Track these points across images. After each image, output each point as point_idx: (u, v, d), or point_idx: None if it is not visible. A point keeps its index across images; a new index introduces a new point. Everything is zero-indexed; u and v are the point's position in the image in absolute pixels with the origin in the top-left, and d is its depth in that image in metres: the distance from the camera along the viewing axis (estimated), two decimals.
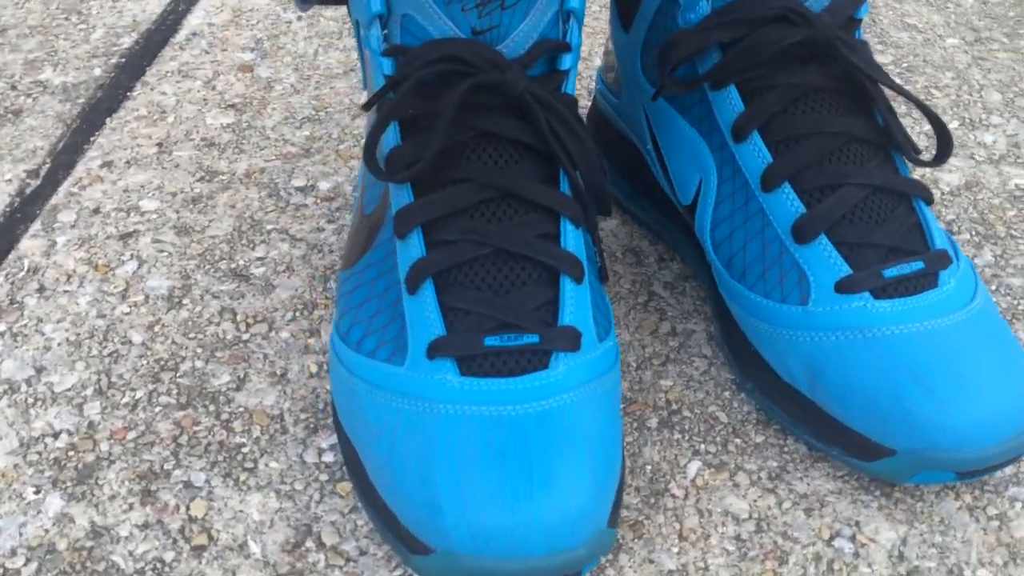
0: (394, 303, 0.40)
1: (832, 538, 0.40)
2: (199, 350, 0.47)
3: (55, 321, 0.49)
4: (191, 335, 0.48)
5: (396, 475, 0.36)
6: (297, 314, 0.50)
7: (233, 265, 0.52)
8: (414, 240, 0.39)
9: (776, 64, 0.43)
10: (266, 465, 0.42)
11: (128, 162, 0.60)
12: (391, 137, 0.41)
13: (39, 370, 0.46)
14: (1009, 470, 0.43)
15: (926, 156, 0.43)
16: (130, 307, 0.50)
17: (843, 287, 0.40)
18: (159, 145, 0.61)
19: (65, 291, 0.50)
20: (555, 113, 0.40)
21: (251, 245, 0.54)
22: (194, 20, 0.75)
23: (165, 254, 0.53)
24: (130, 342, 0.48)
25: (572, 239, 0.39)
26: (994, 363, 0.39)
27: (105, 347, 0.47)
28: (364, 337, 0.40)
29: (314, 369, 0.47)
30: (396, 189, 0.40)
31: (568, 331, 0.37)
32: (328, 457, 0.43)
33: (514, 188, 0.39)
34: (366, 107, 0.41)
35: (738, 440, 0.44)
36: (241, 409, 0.45)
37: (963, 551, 0.40)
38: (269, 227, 0.55)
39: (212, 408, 0.45)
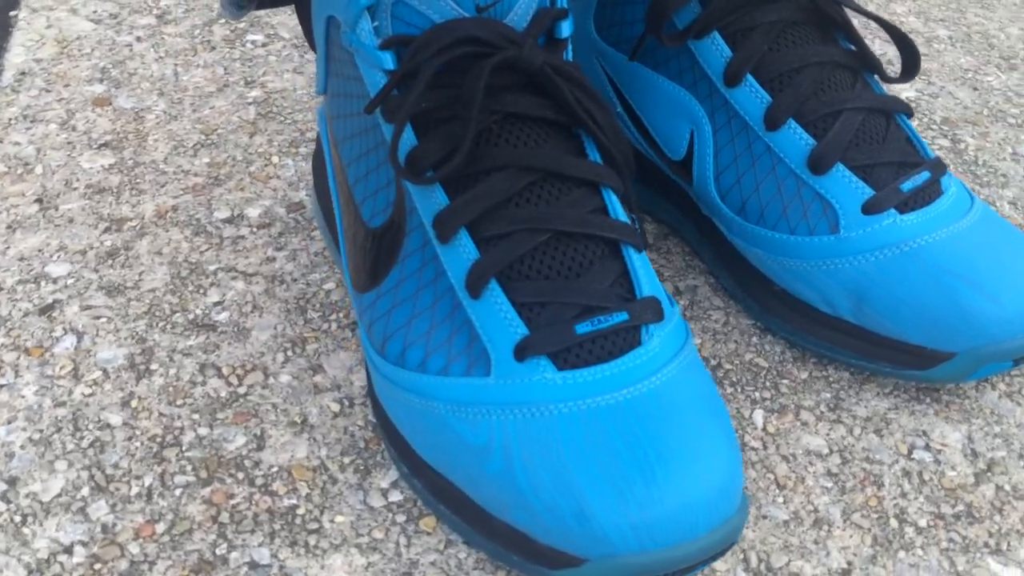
0: (450, 314, 0.36)
1: (910, 451, 0.41)
2: (195, 416, 0.41)
3: (5, 422, 0.41)
4: (178, 402, 0.42)
5: (524, 491, 0.33)
6: (289, 354, 0.45)
7: (191, 316, 0.46)
8: (463, 242, 0.36)
9: (752, 5, 0.43)
10: (331, 522, 0.38)
11: (10, 227, 0.51)
12: (406, 138, 0.37)
13: (12, 482, 0.39)
14: None
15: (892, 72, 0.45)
16: (90, 387, 0.43)
17: (869, 208, 0.41)
18: (39, 201, 0.53)
19: (1, 385, 0.43)
20: (575, 83, 0.38)
21: (201, 291, 0.48)
22: (16, 59, 0.66)
23: (104, 320, 0.46)
24: (108, 426, 0.41)
25: (619, 209, 0.38)
26: (1021, 252, 0.41)
27: (82, 438, 0.40)
28: (427, 357, 0.36)
29: (335, 408, 0.42)
30: (422, 193, 0.37)
31: (650, 302, 0.36)
32: (395, 496, 0.39)
33: (554, 167, 0.37)
34: (369, 109, 0.37)
35: (786, 380, 0.44)
36: (275, 469, 0.39)
37: (1022, 435, 0.42)
38: (212, 267, 0.49)
39: (241, 476, 0.39)
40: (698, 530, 0.32)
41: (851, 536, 0.38)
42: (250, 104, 0.62)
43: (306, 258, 0.50)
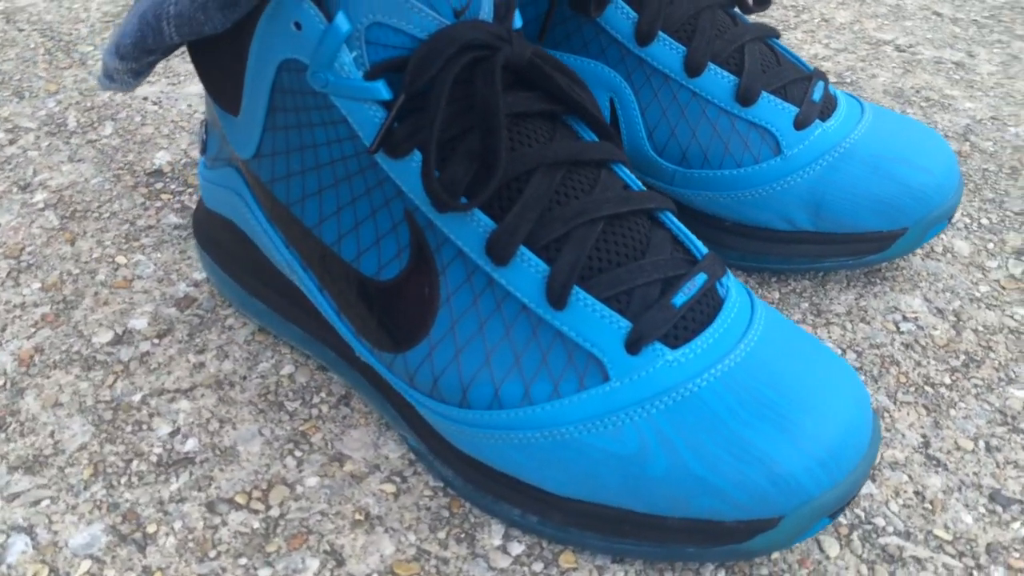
0: (532, 335, 0.34)
1: (897, 327, 0.45)
2: (244, 561, 0.35)
3: None
4: (211, 554, 0.35)
5: (704, 476, 0.32)
6: (298, 454, 0.39)
7: (154, 458, 0.38)
8: (526, 258, 0.33)
9: None
10: None
11: None
12: (418, 169, 0.33)
13: None
14: None
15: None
16: None
17: (799, 124, 0.44)
18: None
19: None
20: (559, 69, 0.36)
21: (143, 427, 0.40)
22: None
23: (46, 503, 0.37)
24: None
25: (635, 179, 0.37)
26: (922, 131, 0.47)
27: None
28: (527, 388, 0.33)
29: (391, 488, 0.37)
30: (457, 222, 0.34)
31: (713, 258, 0.36)
32: (516, 548, 0.35)
33: (576, 155, 0.35)
34: (374, 149, 0.33)
35: None
36: None
37: (960, 285, 0.48)
38: (136, 398, 0.41)
39: None
40: (863, 445, 0.33)
41: (908, 414, 0.41)
42: (43, 210, 0.52)
43: (239, 351, 0.43)
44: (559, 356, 0.33)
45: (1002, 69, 0.67)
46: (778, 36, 0.48)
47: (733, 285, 0.36)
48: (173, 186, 0.54)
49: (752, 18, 0.70)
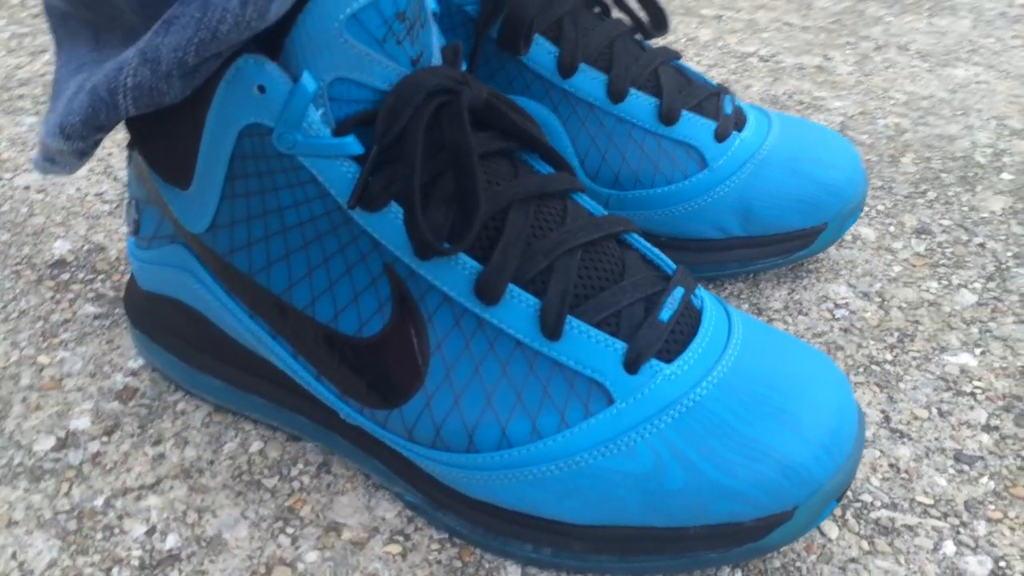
0: (529, 370, 0.34)
1: (833, 315, 0.48)
2: None
3: None
4: None
5: (721, 481, 0.32)
6: (289, 530, 0.37)
7: (135, 562, 0.36)
8: (515, 295, 0.33)
9: (544, 2, 0.45)
10: None
11: None
12: (398, 219, 0.33)
13: None
14: None
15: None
16: None
17: (720, 137, 0.46)
18: None
19: None
20: (511, 107, 0.37)
21: (115, 531, 0.37)
22: None
23: None
24: None
25: (596, 205, 0.38)
26: (823, 132, 0.50)
27: None
28: (534, 424, 0.33)
29: (396, 549, 0.36)
30: (441, 268, 0.33)
31: (684, 272, 0.37)
32: None
33: (543, 188, 0.36)
34: (353, 203, 0.32)
35: None
36: None
37: (876, 268, 0.51)
38: (99, 502, 0.38)
39: None
40: (854, 426, 0.35)
41: (864, 393, 0.43)
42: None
43: (199, 435, 0.41)
44: (560, 386, 0.34)
45: (858, 68, 0.72)
46: (680, 57, 0.50)
47: (705, 295, 0.37)
48: (81, 275, 0.51)
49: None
